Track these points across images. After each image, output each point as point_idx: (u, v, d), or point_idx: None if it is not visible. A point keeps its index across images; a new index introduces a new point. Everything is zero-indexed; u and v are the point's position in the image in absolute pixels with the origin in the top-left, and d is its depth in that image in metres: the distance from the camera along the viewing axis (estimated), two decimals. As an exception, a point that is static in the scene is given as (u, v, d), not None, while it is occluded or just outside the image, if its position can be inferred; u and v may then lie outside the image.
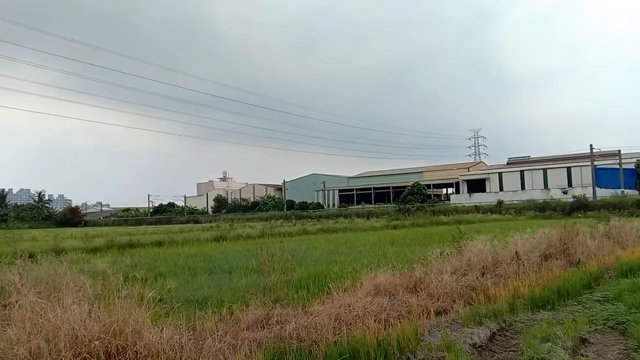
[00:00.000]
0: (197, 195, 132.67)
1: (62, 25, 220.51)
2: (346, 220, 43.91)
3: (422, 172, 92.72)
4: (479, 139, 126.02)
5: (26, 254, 6.71)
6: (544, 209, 49.50)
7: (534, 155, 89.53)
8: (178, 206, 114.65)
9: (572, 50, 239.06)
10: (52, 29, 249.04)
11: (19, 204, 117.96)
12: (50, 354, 4.33)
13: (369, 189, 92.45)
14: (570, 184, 67.49)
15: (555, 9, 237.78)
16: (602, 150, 59.74)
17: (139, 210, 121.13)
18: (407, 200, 71.89)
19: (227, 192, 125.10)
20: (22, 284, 5.39)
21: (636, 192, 55.59)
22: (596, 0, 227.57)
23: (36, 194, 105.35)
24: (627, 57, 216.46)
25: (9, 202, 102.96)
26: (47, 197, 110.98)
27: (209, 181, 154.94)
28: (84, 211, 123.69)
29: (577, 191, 59.68)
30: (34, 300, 5.00)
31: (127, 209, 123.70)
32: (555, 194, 63.84)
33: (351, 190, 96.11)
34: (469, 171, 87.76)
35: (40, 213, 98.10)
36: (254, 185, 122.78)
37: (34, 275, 6.14)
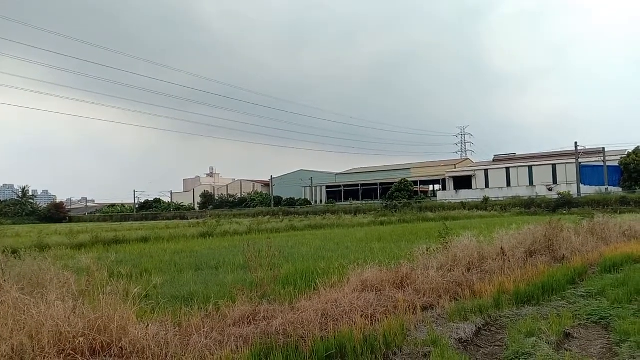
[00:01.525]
0: (184, 191, 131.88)
1: (48, 19, 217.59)
2: (333, 217, 43.86)
3: (409, 168, 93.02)
4: (466, 136, 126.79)
5: (9, 250, 6.61)
6: (529, 206, 49.96)
7: (519, 152, 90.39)
8: (164, 202, 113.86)
9: (558, 48, 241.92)
10: (37, 22, 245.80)
11: (2, 199, 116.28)
12: (33, 350, 4.28)
13: (357, 185, 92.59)
14: (555, 181, 68.19)
15: (543, 7, 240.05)
16: (586, 147, 60.47)
17: (124, 206, 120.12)
18: (394, 196, 72.09)
19: (214, 188, 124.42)
20: (4, 280, 5.32)
21: (620, 190, 56.39)
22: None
23: (20, 190, 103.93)
24: (613, 55, 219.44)
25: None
26: (31, 193, 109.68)
27: (196, 177, 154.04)
28: (69, 207, 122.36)
29: (562, 188, 60.38)
30: (16, 296, 4.93)
31: (113, 205, 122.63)
32: (541, 190, 64.44)
33: (339, 186, 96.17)
34: (455, 168, 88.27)
35: (24, 209, 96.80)
36: (241, 181, 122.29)
37: (17, 271, 6.06)
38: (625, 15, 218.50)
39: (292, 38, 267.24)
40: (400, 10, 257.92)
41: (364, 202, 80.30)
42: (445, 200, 68.91)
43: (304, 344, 5.10)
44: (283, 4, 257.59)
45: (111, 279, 6.41)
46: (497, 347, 5.56)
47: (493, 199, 59.23)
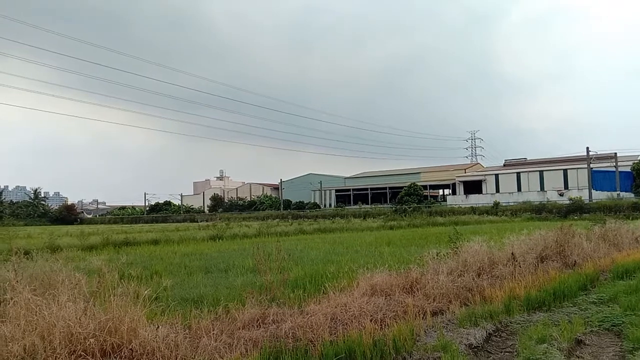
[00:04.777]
0: (194, 194, 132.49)
1: (57, 21, 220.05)
2: (343, 221, 43.87)
3: (419, 173, 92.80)
4: (476, 140, 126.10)
5: (21, 251, 6.65)
6: (540, 211, 49.49)
7: (530, 157, 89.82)
8: (174, 205, 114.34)
9: (568, 53, 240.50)
10: (46, 25, 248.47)
11: (14, 201, 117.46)
12: (45, 351, 4.31)
13: (366, 189, 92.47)
14: (566, 186, 67.66)
15: (552, 13, 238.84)
16: (598, 153, 59.94)
17: (135, 209, 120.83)
18: (403, 200, 71.93)
19: (223, 191, 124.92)
20: (17, 281, 5.35)
21: (632, 195, 55.79)
22: (592, 4, 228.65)
23: (32, 191, 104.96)
24: (623, 59, 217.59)
25: (4, 199, 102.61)
26: (42, 195, 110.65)
27: (206, 180, 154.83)
28: (80, 209, 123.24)
29: (573, 193, 59.84)
30: (29, 297, 4.97)
31: (124, 207, 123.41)
32: (552, 196, 63.96)
33: (348, 190, 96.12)
34: (465, 172, 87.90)
35: (35, 210, 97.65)
36: (250, 184, 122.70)
37: (29, 272, 6.10)
38: (632, 17, 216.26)
39: (301, 42, 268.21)
40: (409, 15, 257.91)
41: (373, 206, 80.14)
42: (455, 204, 68.58)
43: (313, 348, 5.10)
44: (291, 7, 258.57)
45: (122, 280, 6.42)
46: (507, 354, 5.51)
47: (503, 204, 58.86)
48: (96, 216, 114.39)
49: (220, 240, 23.84)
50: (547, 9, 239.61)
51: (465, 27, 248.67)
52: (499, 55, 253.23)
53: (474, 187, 78.75)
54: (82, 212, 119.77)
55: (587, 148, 59.29)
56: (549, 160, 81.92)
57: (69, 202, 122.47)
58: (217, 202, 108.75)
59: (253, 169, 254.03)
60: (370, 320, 5.97)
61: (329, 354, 4.89)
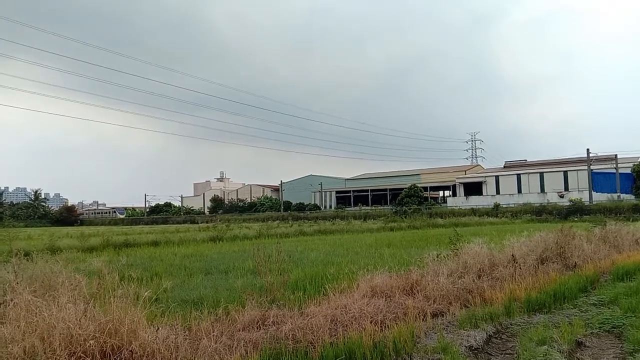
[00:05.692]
0: (194, 196, 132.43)
1: (59, 23, 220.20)
2: (343, 222, 43.90)
3: (419, 174, 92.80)
4: (477, 142, 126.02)
5: (22, 253, 6.65)
6: (541, 213, 49.52)
7: (530, 158, 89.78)
8: (175, 206, 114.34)
9: (568, 54, 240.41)
10: (48, 27, 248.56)
11: (15, 202, 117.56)
12: (45, 352, 4.30)
13: (366, 190, 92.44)
14: (566, 188, 67.58)
15: (552, 15, 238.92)
16: (598, 154, 59.89)
17: (135, 210, 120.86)
18: (404, 202, 71.89)
19: (224, 192, 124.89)
20: (17, 282, 5.35)
21: (632, 197, 55.74)
22: (592, 4, 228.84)
23: (32, 193, 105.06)
24: (624, 61, 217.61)
25: (4, 200, 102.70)
26: (43, 196, 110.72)
27: (206, 181, 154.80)
28: (81, 210, 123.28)
29: (574, 195, 59.80)
30: (29, 298, 4.97)
31: (124, 209, 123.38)
32: (552, 197, 63.88)
33: (348, 191, 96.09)
34: (466, 174, 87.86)
35: (36, 212, 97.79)
36: (251, 185, 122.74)
37: (29, 274, 6.09)
38: (632, 17, 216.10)
39: (301, 43, 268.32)
40: (409, 16, 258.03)
41: (373, 207, 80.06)
42: (456, 206, 68.56)
43: (313, 350, 5.10)
44: (291, 8, 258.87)
45: (122, 282, 6.42)
46: (508, 356, 5.51)
47: (504, 206, 58.83)
48: (126, 217, 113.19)
49: (220, 242, 23.82)
50: (547, 10, 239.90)
51: (466, 28, 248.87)
52: (499, 56, 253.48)
53: (474, 188, 78.69)
54: (115, 212, 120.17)
55: (588, 150, 59.31)
56: (549, 162, 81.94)
57: (69, 204, 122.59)
58: (218, 204, 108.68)
59: (253, 170, 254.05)
60: (371, 322, 5.97)
61: (329, 355, 4.89)
